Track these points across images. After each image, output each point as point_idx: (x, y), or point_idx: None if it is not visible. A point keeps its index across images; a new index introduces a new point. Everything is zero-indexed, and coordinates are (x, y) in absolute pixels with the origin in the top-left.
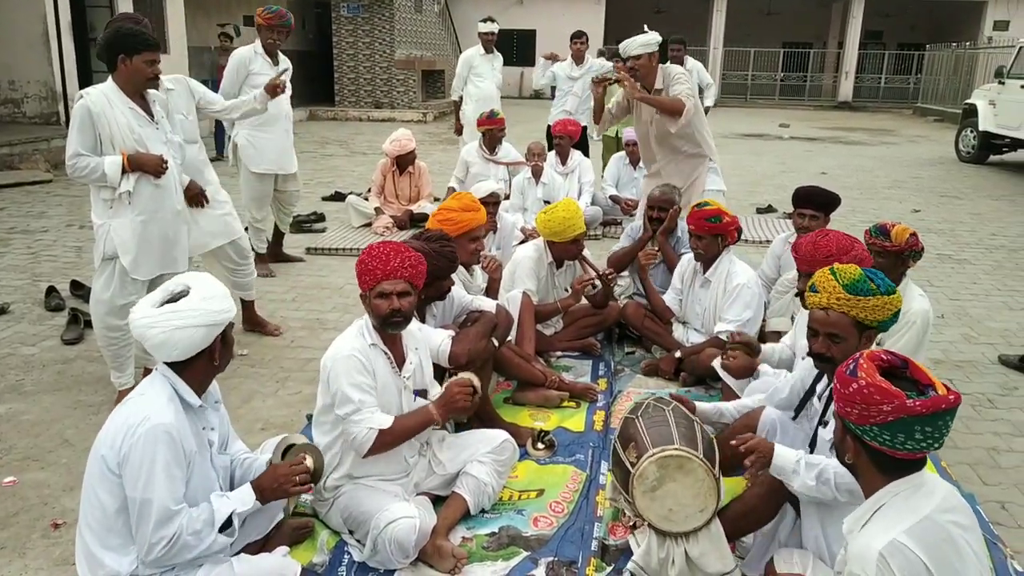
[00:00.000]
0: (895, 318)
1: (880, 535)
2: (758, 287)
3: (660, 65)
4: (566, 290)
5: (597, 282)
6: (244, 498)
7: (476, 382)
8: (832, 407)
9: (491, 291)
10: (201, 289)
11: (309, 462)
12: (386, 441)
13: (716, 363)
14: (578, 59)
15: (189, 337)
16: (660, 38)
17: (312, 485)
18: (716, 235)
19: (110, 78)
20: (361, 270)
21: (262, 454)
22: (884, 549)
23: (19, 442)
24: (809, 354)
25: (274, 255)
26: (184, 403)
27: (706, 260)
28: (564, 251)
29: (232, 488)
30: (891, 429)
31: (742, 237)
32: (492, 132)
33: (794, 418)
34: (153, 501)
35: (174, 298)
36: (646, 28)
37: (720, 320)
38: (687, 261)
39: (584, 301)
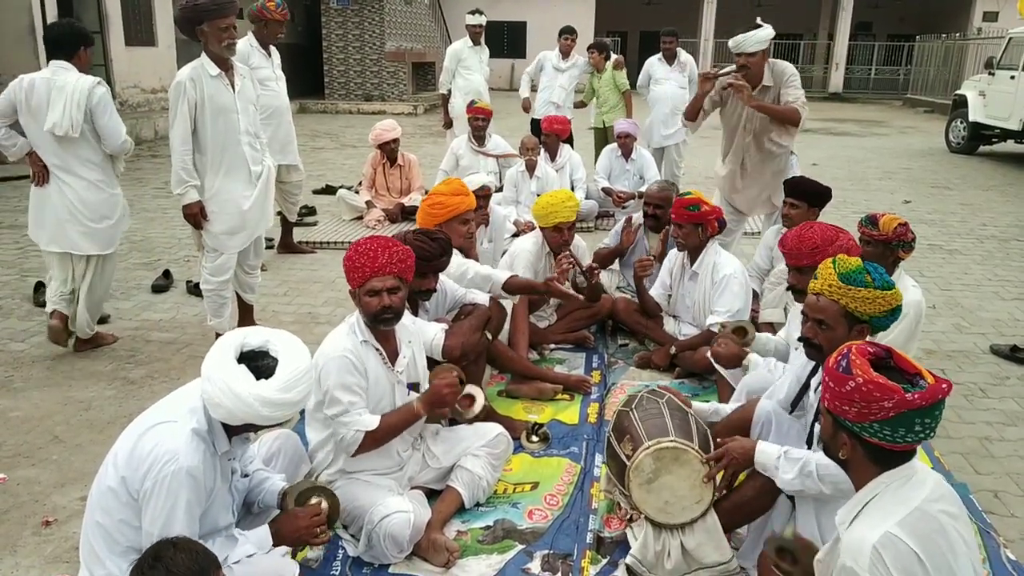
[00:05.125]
0: (892, 316)
1: (873, 527)
2: (744, 276)
3: (769, 60)
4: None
5: (579, 275)
6: (261, 542)
7: (461, 375)
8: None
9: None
10: (286, 370)
11: (325, 506)
12: (374, 441)
13: (710, 353)
14: (566, 54)
15: (252, 417)
16: (773, 32)
17: (329, 535)
18: (696, 224)
19: (74, 69)
20: (349, 267)
21: (275, 473)
22: (878, 542)
23: (9, 439)
24: (800, 339)
25: (286, 246)
26: (214, 445)
27: (690, 250)
28: (549, 239)
29: (245, 503)
30: (892, 424)
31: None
32: (475, 121)
33: (791, 412)
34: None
35: (254, 358)
36: (760, 21)
37: (711, 312)
38: (674, 255)
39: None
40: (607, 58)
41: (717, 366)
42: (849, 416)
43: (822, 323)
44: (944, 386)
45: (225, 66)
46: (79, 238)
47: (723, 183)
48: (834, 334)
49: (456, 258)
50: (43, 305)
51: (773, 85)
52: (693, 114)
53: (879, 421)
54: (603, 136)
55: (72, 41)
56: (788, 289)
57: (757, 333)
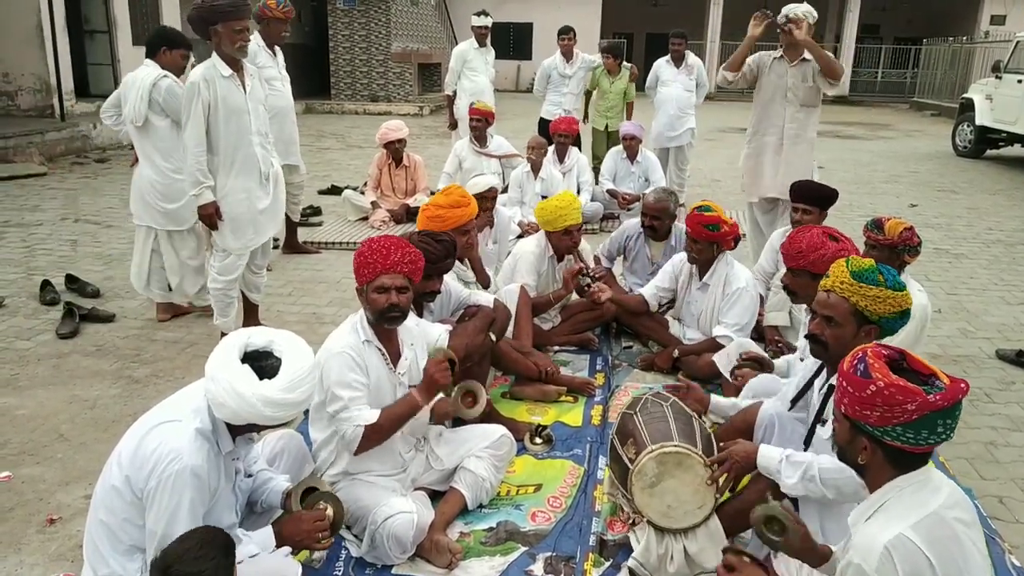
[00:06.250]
0: (902, 319)
1: (886, 528)
2: (754, 290)
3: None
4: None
5: (583, 277)
6: (265, 542)
7: (452, 355)
8: (831, 407)
9: (475, 270)
10: (290, 371)
11: (330, 512)
12: (375, 435)
13: (716, 358)
14: (567, 55)
15: (255, 417)
16: (816, 14)
17: (331, 541)
18: (712, 242)
19: (155, 66)
20: (360, 263)
21: (278, 473)
22: (889, 542)
23: (14, 437)
24: (806, 336)
25: (290, 246)
26: (217, 444)
27: (700, 264)
28: (558, 242)
29: (248, 503)
30: (915, 427)
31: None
32: (474, 122)
33: (790, 408)
34: (173, 538)
35: (258, 358)
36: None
37: (718, 324)
38: (680, 261)
39: (582, 298)
40: (620, 63)
41: (724, 371)
42: (871, 420)
43: (830, 320)
44: (963, 385)
45: (236, 67)
46: (157, 215)
47: (751, 171)
48: (842, 332)
49: (459, 286)
50: (50, 303)
51: (811, 60)
52: (736, 65)
53: (902, 424)
54: (604, 138)
55: (154, 43)
56: (783, 289)
57: (774, 361)
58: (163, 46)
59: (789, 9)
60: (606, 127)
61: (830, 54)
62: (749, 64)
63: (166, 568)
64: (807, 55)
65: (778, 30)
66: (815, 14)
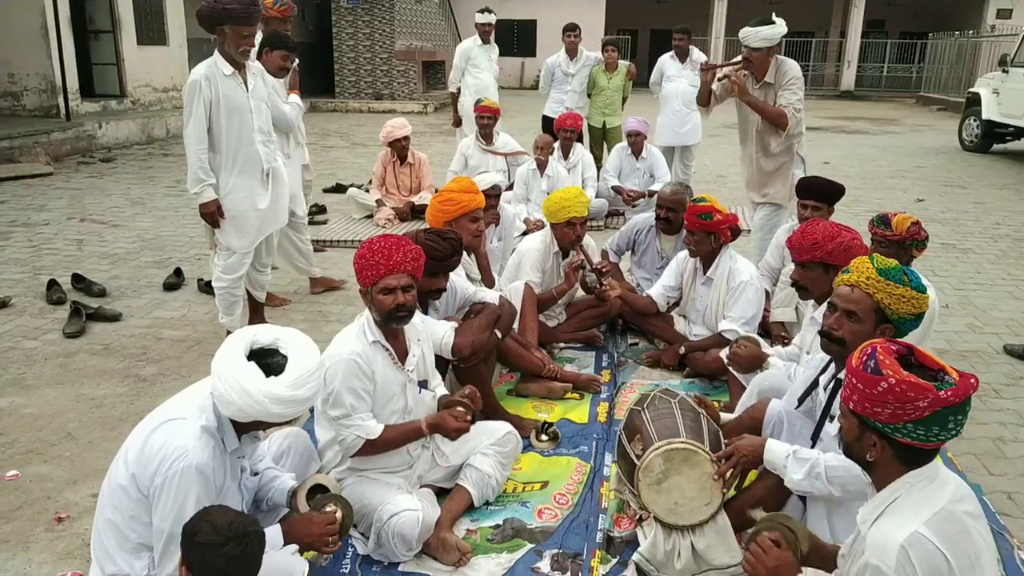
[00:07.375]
0: (915, 322)
1: (900, 527)
2: (759, 283)
3: (777, 57)
4: None
5: (589, 272)
6: (272, 540)
7: (472, 409)
8: (839, 404)
9: (481, 269)
10: (296, 368)
11: (339, 515)
12: (373, 448)
13: (724, 354)
14: (572, 52)
15: (261, 414)
16: (785, 30)
17: (339, 545)
18: (708, 232)
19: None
20: (362, 265)
21: (285, 471)
22: (906, 541)
23: (21, 436)
24: (820, 332)
25: None
26: (223, 442)
27: (703, 257)
28: (562, 235)
29: (254, 501)
30: (926, 424)
31: (746, 227)
32: (482, 120)
33: (797, 407)
34: (179, 536)
35: (264, 356)
36: (774, 17)
37: (724, 318)
38: (684, 258)
39: (588, 295)
40: (618, 57)
41: (731, 369)
42: (881, 418)
43: (852, 315)
44: (972, 381)
45: (238, 64)
46: None
47: (743, 176)
48: (861, 328)
49: (465, 283)
50: (56, 303)
51: (774, 83)
52: (704, 100)
53: (913, 421)
54: (601, 135)
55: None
56: (792, 285)
57: (769, 349)
58: (264, 47)
59: (744, 36)
60: (603, 124)
61: (770, 106)
62: (724, 85)
63: (244, 532)
64: (769, 78)
65: (722, 79)
66: (781, 30)
